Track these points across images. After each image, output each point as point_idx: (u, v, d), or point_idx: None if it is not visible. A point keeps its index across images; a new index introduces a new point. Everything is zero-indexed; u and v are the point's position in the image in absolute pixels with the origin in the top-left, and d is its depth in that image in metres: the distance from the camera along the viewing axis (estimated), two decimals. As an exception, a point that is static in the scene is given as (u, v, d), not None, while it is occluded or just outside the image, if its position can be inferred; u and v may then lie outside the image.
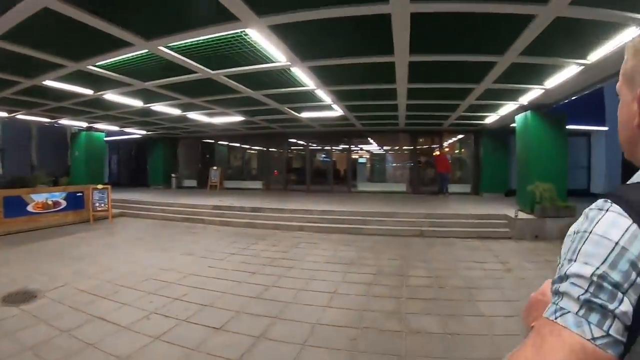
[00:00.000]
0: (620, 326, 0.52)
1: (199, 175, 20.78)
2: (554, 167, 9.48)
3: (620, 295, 0.52)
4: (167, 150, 20.60)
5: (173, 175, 20.35)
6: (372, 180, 19.37)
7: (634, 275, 0.52)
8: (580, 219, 0.62)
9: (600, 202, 0.60)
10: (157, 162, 20.53)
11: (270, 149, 19.71)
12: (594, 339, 0.51)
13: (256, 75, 7.39)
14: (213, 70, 7.19)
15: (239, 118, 13.43)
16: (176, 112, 11.93)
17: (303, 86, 8.26)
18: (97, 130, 16.33)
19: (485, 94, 8.69)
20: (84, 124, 15.27)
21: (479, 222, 9.45)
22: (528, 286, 5.36)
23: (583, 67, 6.42)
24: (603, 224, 0.57)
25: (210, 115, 13.02)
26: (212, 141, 20.86)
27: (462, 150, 17.48)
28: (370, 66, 6.71)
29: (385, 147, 20.08)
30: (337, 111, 11.46)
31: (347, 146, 17.99)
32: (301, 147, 19.75)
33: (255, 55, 6.28)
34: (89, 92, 8.84)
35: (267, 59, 6.45)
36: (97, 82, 7.88)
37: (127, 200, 14.12)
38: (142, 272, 6.11)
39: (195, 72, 7.27)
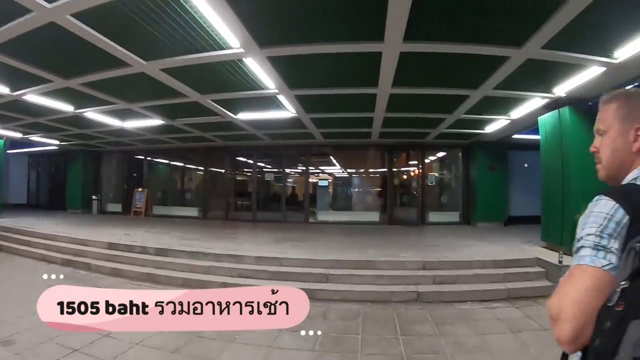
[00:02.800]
0: (615, 256, 0.85)
1: (124, 198, 16.83)
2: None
3: (612, 239, 0.86)
4: (88, 167, 16.66)
5: (94, 197, 16.46)
6: (336, 208, 15.86)
7: (618, 229, 0.86)
8: (585, 210, 0.95)
9: (596, 197, 0.95)
10: (75, 181, 16.48)
11: (209, 169, 15.98)
12: (602, 267, 0.84)
13: (133, 16, 3.92)
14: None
15: (156, 121, 9.78)
16: (65, 107, 8.26)
17: (222, 47, 4.79)
18: None
19: (513, 76, 5.56)
20: None
21: (501, 272, 6.13)
22: None
23: None
24: (598, 206, 0.91)
25: (119, 116, 9.39)
26: (142, 157, 16.87)
27: (445, 170, 14.44)
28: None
29: (351, 167, 16.72)
30: (287, 110, 8.03)
31: (304, 167, 14.66)
32: (248, 168, 16.29)
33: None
34: None
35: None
36: None
37: (12, 229, 10.17)
38: None
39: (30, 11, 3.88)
